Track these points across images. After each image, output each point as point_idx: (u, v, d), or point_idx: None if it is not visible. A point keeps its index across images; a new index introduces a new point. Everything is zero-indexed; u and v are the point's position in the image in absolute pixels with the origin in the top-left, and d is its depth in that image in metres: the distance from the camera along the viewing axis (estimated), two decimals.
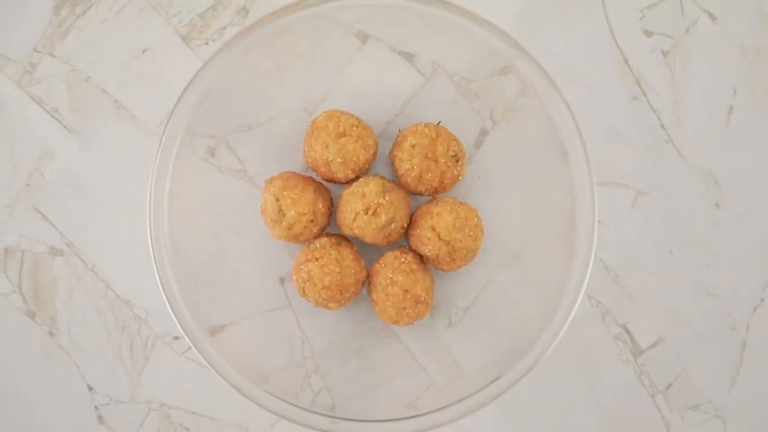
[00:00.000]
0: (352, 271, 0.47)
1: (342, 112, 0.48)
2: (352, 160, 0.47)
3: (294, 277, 0.48)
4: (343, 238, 0.49)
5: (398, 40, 0.52)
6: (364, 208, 0.46)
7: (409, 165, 0.47)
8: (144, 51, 0.54)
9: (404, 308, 0.46)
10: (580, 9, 0.55)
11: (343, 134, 0.47)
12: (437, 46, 0.51)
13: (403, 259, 0.47)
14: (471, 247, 0.47)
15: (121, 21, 0.54)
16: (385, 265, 0.47)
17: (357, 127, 0.47)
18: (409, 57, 0.52)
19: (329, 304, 0.47)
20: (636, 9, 0.55)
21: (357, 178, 0.48)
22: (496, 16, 0.48)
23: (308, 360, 0.51)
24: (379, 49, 0.52)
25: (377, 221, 0.46)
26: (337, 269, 0.46)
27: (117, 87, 0.54)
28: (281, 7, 0.47)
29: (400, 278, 0.46)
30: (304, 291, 0.47)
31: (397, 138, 0.49)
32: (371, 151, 0.48)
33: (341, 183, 0.49)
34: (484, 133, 0.52)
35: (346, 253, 0.47)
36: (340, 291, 0.47)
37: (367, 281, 0.49)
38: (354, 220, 0.46)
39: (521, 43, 0.47)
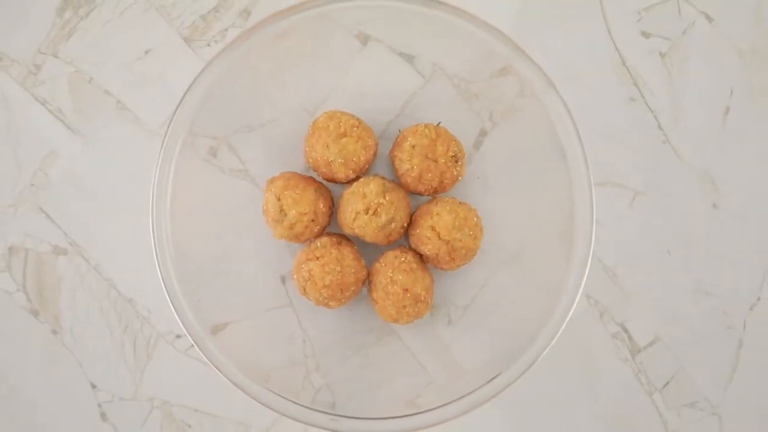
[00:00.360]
0: (353, 270, 0.47)
1: (343, 113, 0.48)
2: (352, 160, 0.47)
3: (295, 276, 0.48)
4: (343, 238, 0.50)
5: (399, 41, 0.52)
6: (365, 208, 0.46)
7: (409, 165, 0.47)
8: (147, 52, 0.55)
9: (404, 307, 0.47)
10: (578, 10, 0.55)
11: (344, 135, 0.47)
12: (437, 47, 0.51)
13: (403, 259, 0.47)
14: (470, 246, 0.47)
15: (124, 23, 0.55)
16: (385, 265, 0.48)
17: (357, 127, 0.48)
18: (409, 58, 0.52)
19: (330, 303, 0.48)
20: (634, 11, 0.55)
21: (357, 178, 0.49)
22: (494, 18, 0.48)
23: (309, 358, 0.51)
24: (380, 50, 0.52)
25: (377, 221, 0.46)
26: (338, 268, 0.46)
27: (120, 88, 0.54)
28: (283, 9, 0.47)
29: (400, 277, 0.47)
30: (305, 290, 0.48)
31: (397, 138, 0.49)
32: (371, 152, 0.48)
33: (342, 183, 0.50)
34: (483, 133, 0.52)
35: (347, 253, 0.48)
36: (341, 290, 0.47)
37: (368, 280, 0.49)
38: (354, 219, 0.47)
39: (520, 45, 0.48)
